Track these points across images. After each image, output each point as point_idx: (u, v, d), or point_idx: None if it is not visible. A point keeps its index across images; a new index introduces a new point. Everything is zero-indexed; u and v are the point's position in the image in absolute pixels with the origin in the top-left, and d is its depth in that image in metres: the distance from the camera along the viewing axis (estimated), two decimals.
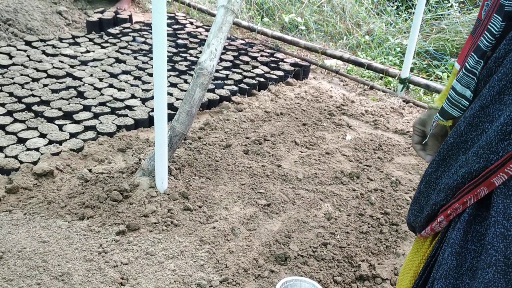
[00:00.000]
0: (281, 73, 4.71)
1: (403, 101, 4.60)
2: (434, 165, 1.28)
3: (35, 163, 2.96)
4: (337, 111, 4.23)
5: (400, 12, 6.29)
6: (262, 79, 4.50)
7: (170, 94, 3.98)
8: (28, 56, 4.38)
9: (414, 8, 4.51)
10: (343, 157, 3.55)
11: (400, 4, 6.47)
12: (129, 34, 5.20)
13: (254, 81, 4.42)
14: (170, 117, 3.09)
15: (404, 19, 6.09)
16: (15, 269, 2.26)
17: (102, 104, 3.70)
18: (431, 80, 4.94)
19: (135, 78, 4.22)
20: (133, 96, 3.89)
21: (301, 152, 3.56)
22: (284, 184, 3.15)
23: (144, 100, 3.83)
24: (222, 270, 2.40)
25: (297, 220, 2.82)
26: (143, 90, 4.00)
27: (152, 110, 3.64)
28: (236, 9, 3.00)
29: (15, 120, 3.37)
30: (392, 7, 6.42)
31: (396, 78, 4.76)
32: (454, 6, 5.86)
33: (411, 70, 5.05)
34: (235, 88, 4.26)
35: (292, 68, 4.83)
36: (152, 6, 2.37)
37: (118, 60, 4.53)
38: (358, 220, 2.88)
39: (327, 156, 3.52)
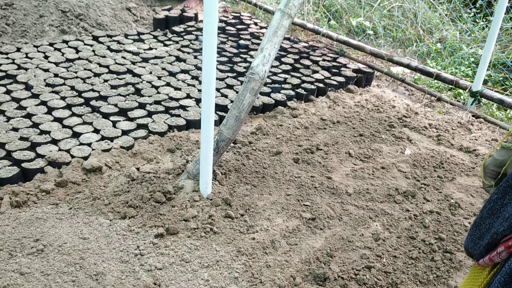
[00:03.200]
0: (342, 79, 4.53)
1: (473, 115, 4.28)
2: (500, 191, 1.21)
3: (85, 158, 3.02)
4: (399, 122, 4.01)
5: (477, 20, 5.88)
6: (321, 85, 4.36)
7: (225, 96, 3.94)
8: (93, 51, 4.51)
9: (493, 16, 4.17)
10: (399, 173, 3.34)
11: (478, 11, 6.05)
12: (193, 32, 5.23)
13: (312, 87, 4.28)
14: (223, 119, 3.04)
15: (481, 28, 5.69)
16: (53, 263, 2.30)
17: (157, 102, 3.73)
18: (506, 94, 4.56)
19: (193, 77, 4.23)
20: (188, 96, 3.88)
21: (354, 164, 3.39)
22: (332, 197, 3.00)
23: (198, 101, 3.82)
24: (256, 285, 2.31)
25: (342, 238, 2.67)
26: (199, 90, 3.98)
27: None
28: (293, 13, 2.88)
29: (73, 114, 3.46)
30: (469, 14, 6.02)
31: (467, 90, 4.44)
32: None
33: (485, 82, 4.70)
34: (292, 93, 4.15)
35: (355, 75, 4.64)
36: (204, 9, 2.31)
37: (178, 59, 4.56)
38: (408, 244, 2.68)
39: (382, 171, 3.32)
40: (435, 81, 4.78)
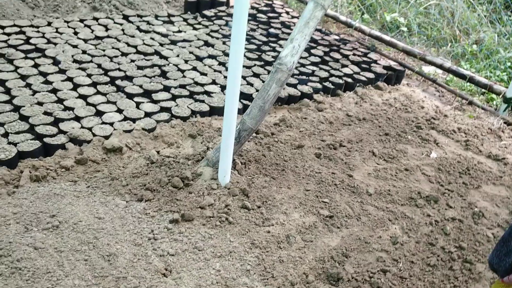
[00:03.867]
0: (371, 75, 4.43)
1: (504, 122, 4.13)
2: None
3: (107, 137, 3.01)
4: (426, 124, 3.89)
5: None
6: (349, 80, 4.26)
7: (250, 84, 3.89)
8: (122, 30, 4.50)
9: None
10: (423, 176, 3.24)
11: None
12: (223, 18, 5.17)
13: (340, 81, 4.19)
14: (247, 108, 2.99)
15: None
16: (67, 241, 2.30)
17: (182, 86, 3.70)
18: None
19: (220, 63, 4.18)
20: (213, 82, 3.84)
21: (377, 164, 3.31)
22: (352, 196, 2.94)
23: (223, 88, 3.77)
24: (267, 279, 2.27)
25: (359, 238, 2.61)
26: (225, 77, 3.94)
27: None
28: (326, 4, 2.80)
29: (98, 92, 3.46)
30: (510, 16, 5.80)
31: (501, 96, 4.29)
32: None
33: None
34: (319, 86, 4.06)
35: (385, 72, 4.52)
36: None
37: (206, 44, 4.51)
38: (427, 250, 2.60)
39: (405, 173, 3.24)
40: (468, 84, 4.63)
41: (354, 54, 4.81)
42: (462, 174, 3.31)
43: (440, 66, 4.70)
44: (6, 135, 2.90)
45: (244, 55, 4.21)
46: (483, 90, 4.54)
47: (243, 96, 3.66)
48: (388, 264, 2.46)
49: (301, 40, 2.78)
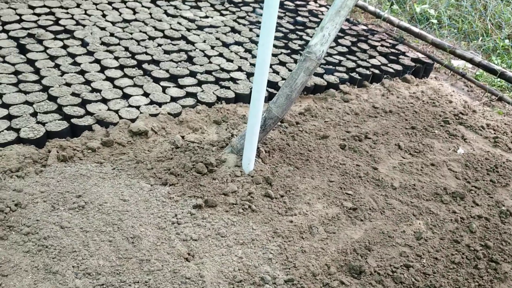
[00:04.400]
0: (399, 67, 4.35)
1: None
2: None
3: (133, 120, 3.03)
4: (454, 119, 3.82)
5: None
6: (377, 71, 4.20)
7: (276, 72, 3.86)
8: (150, 14, 4.50)
9: None
10: (449, 172, 3.19)
11: None
12: (250, 4, 5.13)
13: (367, 72, 4.13)
14: (272, 96, 2.97)
15: None
16: (93, 221, 2.33)
17: (208, 72, 3.69)
18: None
19: (246, 50, 4.15)
20: (239, 69, 3.82)
21: (403, 157, 3.26)
22: (376, 189, 2.90)
23: (249, 75, 3.75)
24: (289, 269, 2.26)
25: (382, 232, 2.58)
26: (251, 64, 3.91)
27: None
28: None
29: (125, 75, 3.47)
30: None
31: None
32: None
33: None
34: (346, 76, 4.01)
35: (413, 64, 4.44)
36: None
37: (233, 30, 4.49)
38: (451, 247, 2.56)
39: (431, 168, 3.18)
40: (498, 79, 4.52)
41: (382, 45, 4.73)
42: (490, 172, 3.25)
43: (470, 60, 4.60)
44: (35, 114, 2.94)
45: None
46: None
47: (269, 84, 3.63)
48: (411, 260, 2.42)
49: (331, 28, 2.74)
